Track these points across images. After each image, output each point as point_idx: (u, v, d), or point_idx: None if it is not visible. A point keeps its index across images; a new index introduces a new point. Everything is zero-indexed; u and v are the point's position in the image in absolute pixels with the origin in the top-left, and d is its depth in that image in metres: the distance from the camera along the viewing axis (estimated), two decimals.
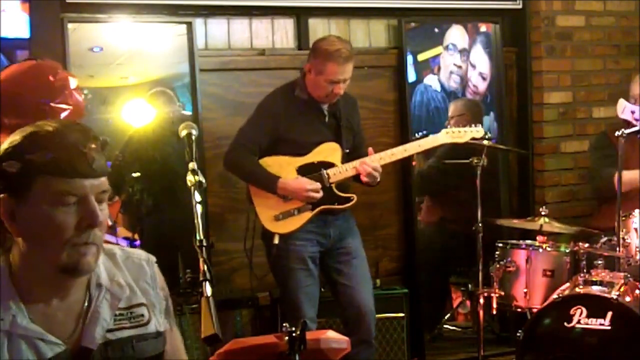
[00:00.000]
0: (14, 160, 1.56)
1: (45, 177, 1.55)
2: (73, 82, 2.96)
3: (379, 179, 3.82)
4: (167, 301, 1.83)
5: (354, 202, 3.82)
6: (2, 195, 1.59)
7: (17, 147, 1.57)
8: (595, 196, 4.73)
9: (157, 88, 4.33)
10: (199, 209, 2.32)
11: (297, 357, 1.40)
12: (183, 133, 2.57)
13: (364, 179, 3.79)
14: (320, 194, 3.73)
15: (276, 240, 3.72)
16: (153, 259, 1.84)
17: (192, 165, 2.45)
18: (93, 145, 1.59)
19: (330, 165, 3.80)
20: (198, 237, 2.25)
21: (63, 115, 2.87)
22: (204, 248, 2.21)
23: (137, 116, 4.28)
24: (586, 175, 4.92)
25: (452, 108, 5.07)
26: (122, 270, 1.76)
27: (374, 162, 3.78)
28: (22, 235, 1.61)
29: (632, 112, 4.20)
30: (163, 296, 1.81)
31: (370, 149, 3.84)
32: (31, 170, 1.56)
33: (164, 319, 1.80)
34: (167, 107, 4.36)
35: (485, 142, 4.13)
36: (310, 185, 3.72)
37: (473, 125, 4.02)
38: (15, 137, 1.59)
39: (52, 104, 2.84)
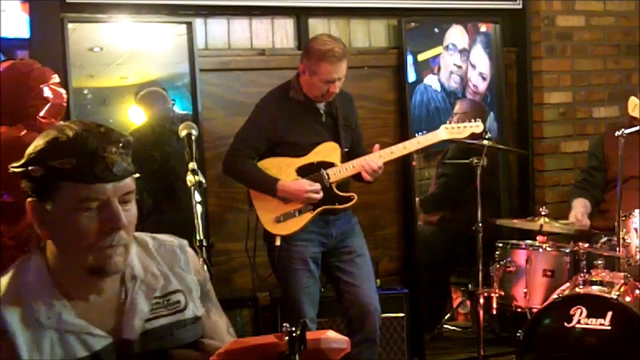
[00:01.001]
0: (37, 165, 1.59)
1: (67, 183, 1.58)
2: (52, 78, 2.96)
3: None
4: (204, 285, 1.83)
5: (354, 201, 3.81)
6: (30, 199, 1.63)
7: (40, 152, 1.60)
8: None
9: (146, 89, 4.32)
10: (199, 209, 2.33)
11: (297, 357, 1.40)
12: (183, 133, 2.58)
13: (367, 177, 3.78)
14: (320, 195, 3.72)
15: (277, 242, 3.71)
16: (185, 243, 1.85)
17: (192, 165, 2.46)
18: (114, 149, 1.60)
19: (330, 165, 3.79)
20: (198, 237, 2.26)
21: (43, 111, 2.87)
22: (204, 248, 2.22)
23: (137, 116, 4.28)
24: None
25: (458, 106, 5.08)
26: (156, 259, 1.77)
27: (376, 160, 3.78)
28: (51, 239, 1.65)
29: None
30: (197, 280, 1.81)
31: (376, 146, 3.83)
32: (53, 176, 1.58)
33: (200, 303, 1.79)
34: (160, 106, 4.35)
35: (485, 141, 4.13)
36: (310, 187, 3.71)
37: (472, 120, 3.99)
38: (39, 142, 1.62)
39: (29, 101, 2.85)
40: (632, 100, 4.30)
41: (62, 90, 2.98)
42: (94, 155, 1.58)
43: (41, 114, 2.85)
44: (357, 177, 3.83)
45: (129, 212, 1.64)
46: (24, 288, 1.64)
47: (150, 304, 1.71)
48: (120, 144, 1.62)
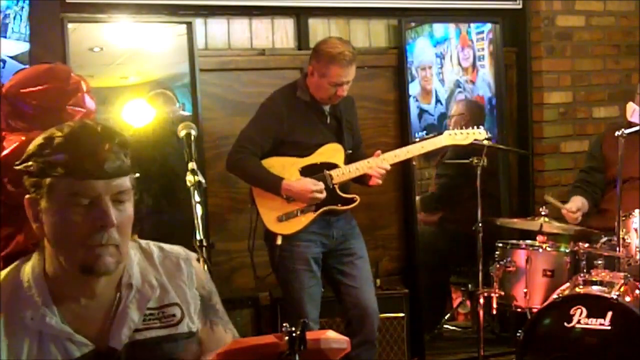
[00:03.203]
0: (33, 161, 1.60)
1: (59, 179, 1.57)
2: (85, 86, 2.95)
3: None
4: (209, 299, 1.79)
5: (356, 203, 3.82)
6: (28, 195, 1.62)
7: (37, 148, 1.61)
8: None
9: (157, 89, 4.32)
10: (198, 209, 2.32)
11: (297, 357, 1.40)
12: (182, 133, 2.57)
13: (376, 181, 3.79)
14: (324, 195, 3.72)
15: (279, 242, 3.71)
16: (192, 256, 1.82)
17: (192, 165, 2.45)
18: (107, 146, 1.58)
19: (333, 166, 3.80)
20: (198, 237, 2.25)
21: (77, 118, 2.86)
22: (204, 248, 2.21)
23: (137, 116, 4.28)
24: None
25: (454, 108, 5.09)
26: (158, 270, 1.74)
27: (382, 164, 3.79)
28: (45, 236, 1.63)
29: None
30: (200, 295, 1.77)
31: (378, 152, 3.85)
32: (47, 172, 1.58)
33: (198, 318, 1.76)
34: (167, 108, 4.36)
35: (485, 142, 4.13)
36: (315, 186, 3.71)
37: (475, 127, 4.02)
38: (38, 138, 1.62)
39: (67, 107, 2.83)
40: (630, 105, 4.31)
41: (94, 100, 2.97)
42: (86, 151, 1.57)
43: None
44: (357, 179, 3.84)
45: (123, 212, 1.62)
46: (15, 288, 1.63)
47: (143, 315, 1.68)
48: (116, 142, 1.60)
